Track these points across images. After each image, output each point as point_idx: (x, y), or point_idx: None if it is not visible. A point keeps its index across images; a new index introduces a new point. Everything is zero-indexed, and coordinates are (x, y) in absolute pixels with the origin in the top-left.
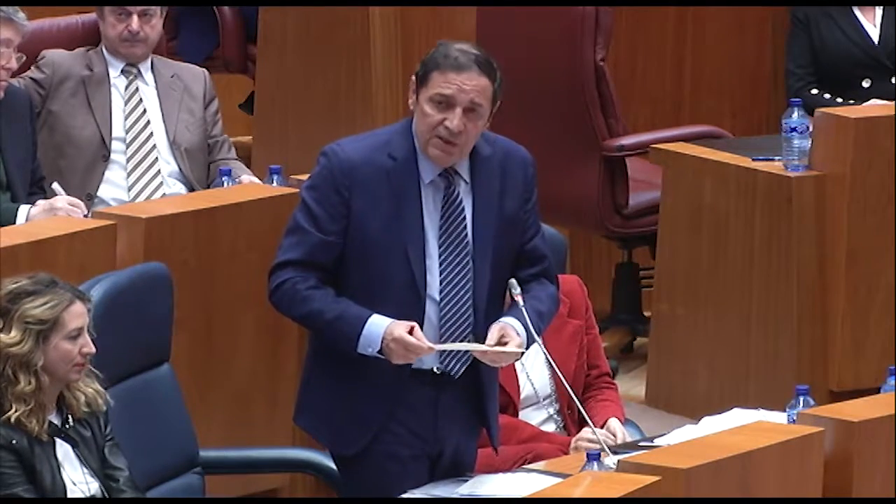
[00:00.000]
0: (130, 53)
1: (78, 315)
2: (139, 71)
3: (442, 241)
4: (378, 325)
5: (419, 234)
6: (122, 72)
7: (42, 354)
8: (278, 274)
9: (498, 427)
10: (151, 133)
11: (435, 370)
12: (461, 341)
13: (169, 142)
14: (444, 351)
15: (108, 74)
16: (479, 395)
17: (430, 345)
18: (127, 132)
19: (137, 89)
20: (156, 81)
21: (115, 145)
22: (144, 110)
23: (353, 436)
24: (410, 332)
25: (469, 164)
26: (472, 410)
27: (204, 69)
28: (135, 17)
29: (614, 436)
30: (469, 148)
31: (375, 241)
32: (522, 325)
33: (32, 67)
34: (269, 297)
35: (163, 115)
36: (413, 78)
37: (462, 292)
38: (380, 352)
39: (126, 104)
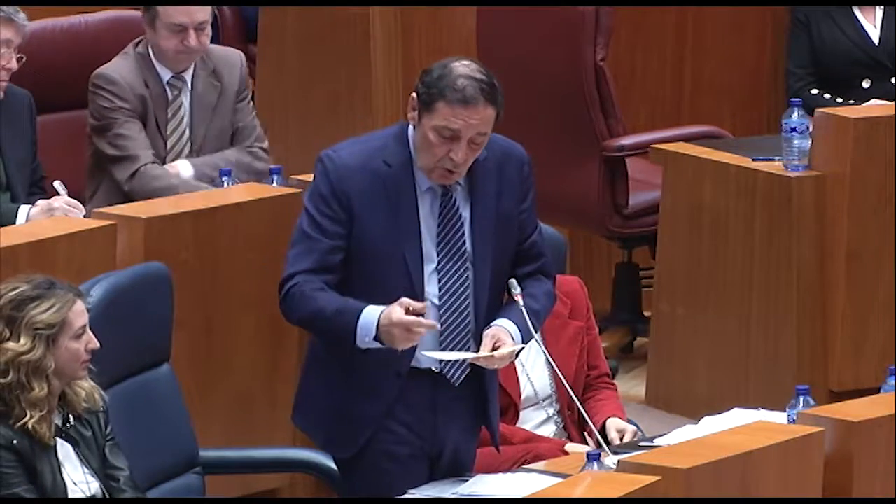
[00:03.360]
0: (185, 62)
1: (81, 313)
2: (184, 82)
3: (440, 248)
4: (372, 314)
5: (416, 242)
6: (168, 84)
7: (53, 358)
8: (288, 285)
9: (499, 426)
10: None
11: (434, 369)
12: (461, 346)
13: (188, 151)
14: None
15: (164, 89)
16: (479, 395)
17: (432, 322)
18: (170, 150)
19: (181, 106)
20: (192, 90)
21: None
22: (185, 129)
23: (347, 438)
24: (407, 311)
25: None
26: (471, 409)
27: (240, 53)
28: (191, 32)
29: (621, 434)
30: (469, 165)
31: (374, 247)
32: (519, 324)
33: (110, 96)
34: (280, 307)
35: (191, 127)
36: (414, 95)
37: (461, 298)
38: (379, 340)
39: (169, 121)
